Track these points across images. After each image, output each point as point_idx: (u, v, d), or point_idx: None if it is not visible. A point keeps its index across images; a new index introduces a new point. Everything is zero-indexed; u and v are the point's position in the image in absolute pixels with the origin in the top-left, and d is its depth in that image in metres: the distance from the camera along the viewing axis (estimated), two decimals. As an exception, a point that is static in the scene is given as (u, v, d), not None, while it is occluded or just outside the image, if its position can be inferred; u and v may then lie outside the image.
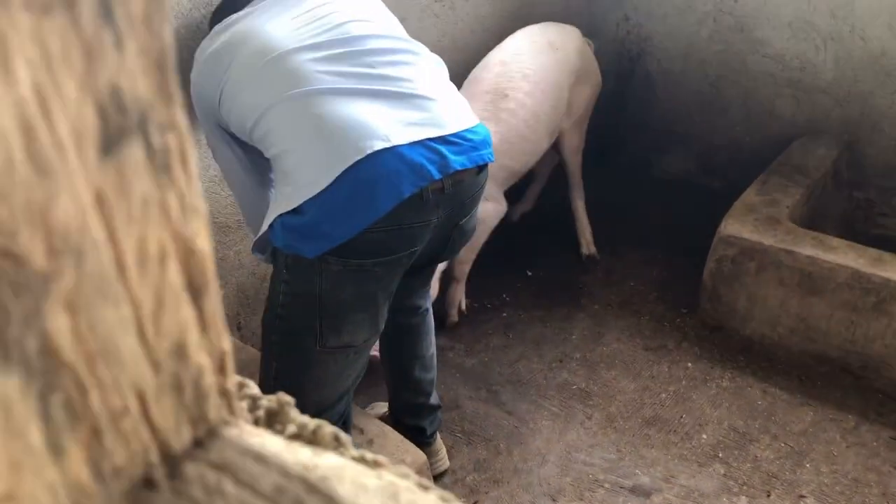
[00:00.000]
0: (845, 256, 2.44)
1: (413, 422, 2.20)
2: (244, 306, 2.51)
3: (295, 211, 1.52)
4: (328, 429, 0.33)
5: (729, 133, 3.39)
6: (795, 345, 2.57)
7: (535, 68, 2.65)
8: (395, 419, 2.24)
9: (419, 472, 1.97)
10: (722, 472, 2.22)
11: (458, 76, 2.40)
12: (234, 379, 0.32)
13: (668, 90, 3.45)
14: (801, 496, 2.14)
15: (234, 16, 1.68)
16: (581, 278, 3.10)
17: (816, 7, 2.96)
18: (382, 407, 2.35)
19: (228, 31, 1.65)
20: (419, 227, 1.58)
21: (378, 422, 2.09)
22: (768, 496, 2.14)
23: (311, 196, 1.50)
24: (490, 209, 2.62)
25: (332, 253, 1.54)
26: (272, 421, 0.32)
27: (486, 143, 1.68)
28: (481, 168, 1.68)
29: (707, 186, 3.48)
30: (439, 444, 2.25)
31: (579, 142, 2.98)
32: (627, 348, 2.72)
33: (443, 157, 1.55)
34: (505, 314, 2.92)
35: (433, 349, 2.17)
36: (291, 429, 0.31)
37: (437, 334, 2.79)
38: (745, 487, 2.17)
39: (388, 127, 1.51)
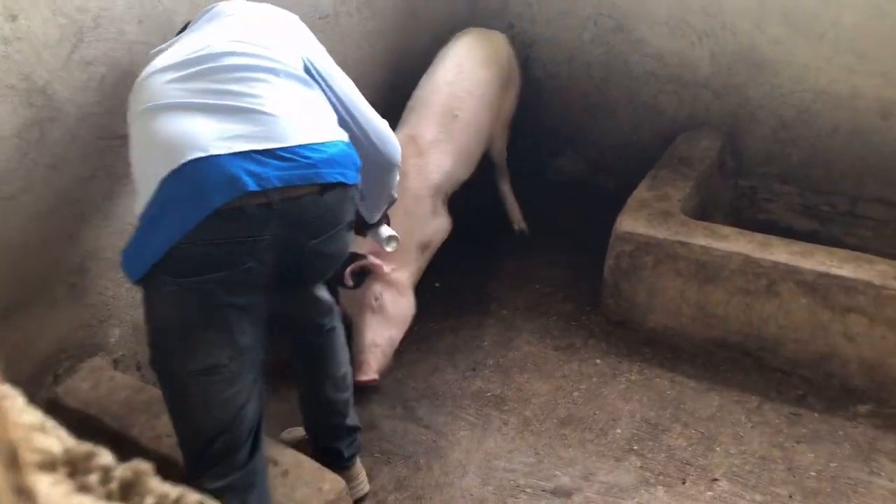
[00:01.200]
0: (736, 243, 2.53)
1: (330, 444, 2.15)
2: (142, 345, 2.40)
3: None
4: (192, 498, 0.30)
5: (617, 132, 3.48)
6: (697, 332, 2.65)
7: (476, 85, 2.89)
8: (312, 442, 2.19)
9: (338, 498, 1.92)
10: (638, 464, 2.27)
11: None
12: (32, 474, 0.28)
13: (556, 94, 3.51)
14: (714, 479, 2.20)
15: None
16: (489, 285, 3.12)
17: (689, 5, 3.07)
18: (299, 431, 2.29)
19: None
20: (247, 243, 1.55)
21: (293, 451, 2.03)
22: (684, 483, 2.19)
23: (140, 212, 1.53)
24: (444, 223, 2.78)
25: (164, 272, 1.53)
26: (128, 493, 0.28)
27: (334, 162, 1.63)
28: (326, 187, 1.63)
29: (601, 185, 3.56)
30: (359, 467, 2.21)
31: (503, 142, 3.20)
32: (538, 350, 2.75)
33: (265, 170, 1.52)
34: (416, 328, 2.90)
35: (345, 369, 2.13)
36: (149, 501, 0.28)
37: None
38: (661, 477, 2.21)
39: (210, 138, 1.51)
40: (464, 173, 2.88)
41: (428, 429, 2.44)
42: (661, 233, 2.62)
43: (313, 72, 1.81)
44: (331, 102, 1.83)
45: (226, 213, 1.49)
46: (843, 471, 2.19)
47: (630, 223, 2.69)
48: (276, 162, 1.53)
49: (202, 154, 1.49)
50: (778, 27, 2.94)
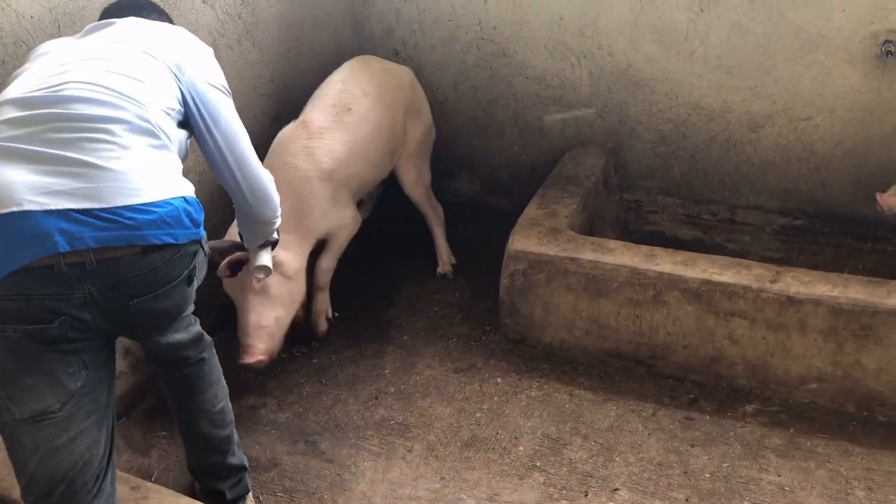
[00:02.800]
0: (622, 256, 2.61)
1: (212, 485, 2.10)
2: None
3: None
4: None
5: (506, 153, 3.55)
6: (591, 345, 2.72)
7: (373, 87, 2.93)
8: (196, 484, 2.15)
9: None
10: (542, 480, 2.29)
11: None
12: None
13: (446, 117, 3.55)
14: (615, 489, 2.24)
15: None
16: (388, 311, 3.10)
17: (567, 28, 3.17)
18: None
19: None
20: (56, 300, 1.53)
21: (168, 492, 1.97)
22: (586, 496, 2.23)
23: None
24: (348, 216, 2.82)
25: None
26: None
27: (162, 223, 1.60)
28: (150, 248, 1.60)
29: (494, 206, 3.61)
30: None
31: (416, 176, 3.18)
32: (439, 374, 2.75)
33: (81, 230, 1.49)
34: (315, 360, 2.86)
35: (222, 403, 2.07)
36: None
37: (247, 390, 2.70)
38: (564, 491, 2.24)
39: (27, 192, 1.47)
40: (367, 173, 2.89)
41: (331, 462, 2.40)
42: (551, 250, 2.67)
43: (195, 112, 1.79)
44: (209, 147, 1.81)
45: (36, 269, 1.48)
46: (735, 470, 2.28)
47: (522, 242, 2.73)
48: (95, 221, 1.50)
49: (16, 208, 1.45)
50: (651, 46, 3.07)
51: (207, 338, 2.01)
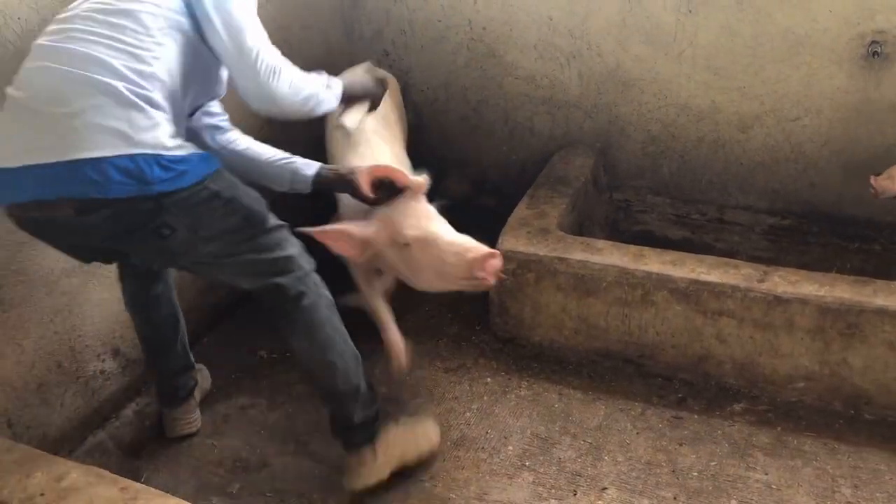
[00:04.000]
0: (611, 256, 2.62)
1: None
2: (12, 399, 2.28)
3: None
4: None
5: (496, 153, 3.56)
6: (581, 344, 2.73)
7: (393, 100, 2.86)
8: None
9: None
10: (531, 479, 2.30)
11: (218, 127, 2.33)
12: None
13: (436, 118, 3.56)
14: (604, 488, 2.25)
15: None
16: (377, 311, 3.10)
17: (556, 29, 3.18)
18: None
19: None
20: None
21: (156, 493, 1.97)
22: (575, 495, 2.24)
23: None
24: None
25: None
26: None
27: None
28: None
29: (484, 206, 3.62)
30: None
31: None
32: (429, 373, 2.76)
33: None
34: (305, 360, 2.87)
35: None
36: None
37: (238, 390, 2.70)
38: (553, 491, 2.25)
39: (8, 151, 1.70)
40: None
41: (321, 463, 2.40)
42: (540, 250, 2.68)
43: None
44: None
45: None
46: (723, 468, 2.29)
47: (511, 241, 2.74)
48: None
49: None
50: (640, 46, 3.08)
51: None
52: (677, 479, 2.27)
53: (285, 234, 2.03)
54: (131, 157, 1.68)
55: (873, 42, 2.75)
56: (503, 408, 2.58)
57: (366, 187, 2.23)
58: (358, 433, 2.20)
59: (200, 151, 1.86)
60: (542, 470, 2.33)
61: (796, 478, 2.24)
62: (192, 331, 2.57)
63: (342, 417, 2.18)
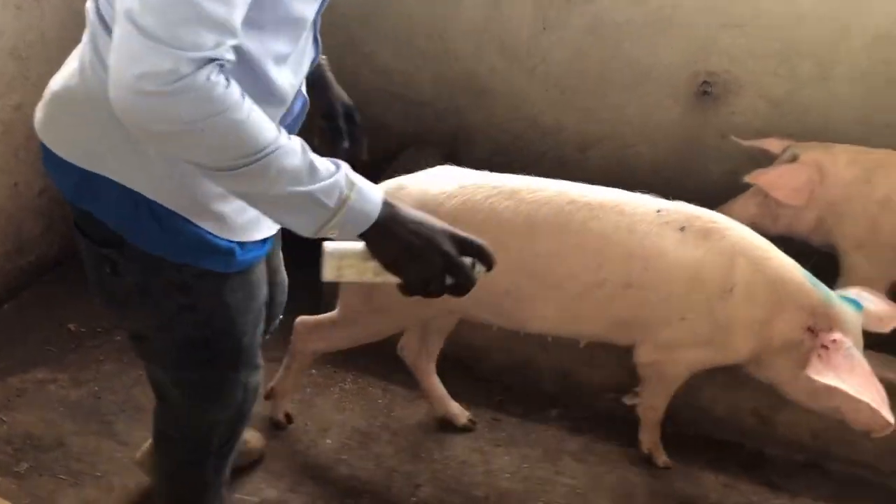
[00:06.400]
0: (448, 257, 2.64)
1: None
2: None
3: None
4: None
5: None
6: (410, 342, 2.73)
7: None
8: None
9: None
10: (346, 473, 2.27)
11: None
12: None
13: (287, 102, 3.47)
14: (418, 485, 2.26)
15: None
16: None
17: (415, 28, 3.19)
18: None
19: None
20: None
21: None
22: (389, 491, 2.23)
23: None
24: None
25: None
26: None
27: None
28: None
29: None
30: None
31: None
32: (253, 361, 2.67)
33: None
34: (119, 338, 2.69)
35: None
36: None
37: (38, 363, 2.50)
38: (367, 485, 2.24)
39: None
40: None
41: (126, 445, 2.25)
42: (378, 244, 2.66)
43: None
44: None
45: None
46: (533, 471, 2.36)
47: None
48: None
49: None
50: (495, 57, 3.14)
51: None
52: (489, 479, 2.31)
53: (245, 385, 1.64)
54: None
55: (704, 82, 2.95)
56: (326, 401, 2.54)
57: None
58: None
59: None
60: (358, 465, 2.30)
61: (600, 484, 2.35)
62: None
63: None
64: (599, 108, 3.14)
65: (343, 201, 1.17)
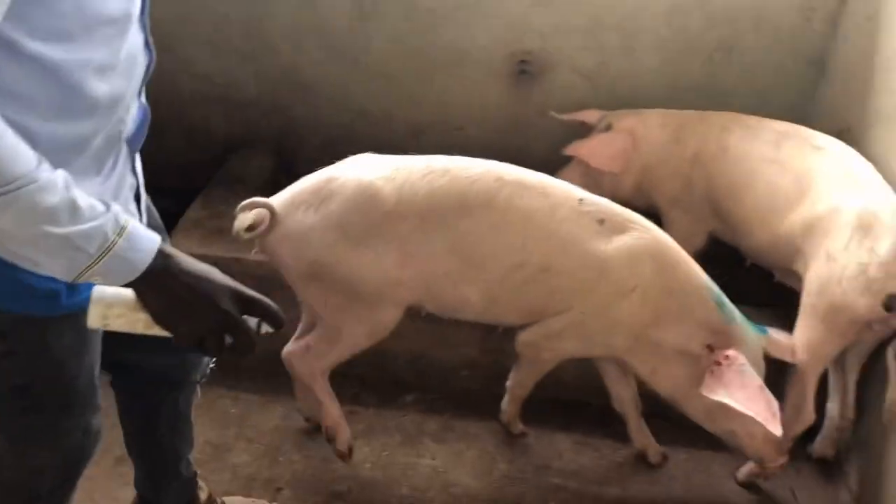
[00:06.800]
0: (287, 256, 2.60)
1: None
2: None
3: None
4: None
5: (171, 153, 3.36)
6: (258, 348, 2.66)
7: None
8: None
9: None
10: (202, 486, 2.19)
11: None
12: None
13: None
14: (279, 489, 2.23)
15: None
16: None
17: (232, 28, 3.11)
18: None
19: None
20: None
21: None
22: (248, 498, 2.18)
23: None
24: None
25: None
26: None
27: None
28: None
29: (161, 208, 3.41)
30: None
31: None
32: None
33: None
34: None
35: None
36: None
37: None
38: (224, 496, 2.17)
39: None
40: None
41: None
42: (215, 250, 2.59)
43: None
44: None
45: None
46: (394, 458, 2.38)
47: (184, 242, 2.62)
48: None
49: None
50: (316, 50, 3.12)
51: None
52: (351, 471, 2.31)
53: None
54: None
55: (521, 62, 3.04)
56: (174, 417, 2.44)
57: None
58: None
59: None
60: (214, 477, 2.24)
61: (461, 459, 2.40)
62: None
63: None
64: (425, 94, 3.18)
65: (107, 248, 1.08)
